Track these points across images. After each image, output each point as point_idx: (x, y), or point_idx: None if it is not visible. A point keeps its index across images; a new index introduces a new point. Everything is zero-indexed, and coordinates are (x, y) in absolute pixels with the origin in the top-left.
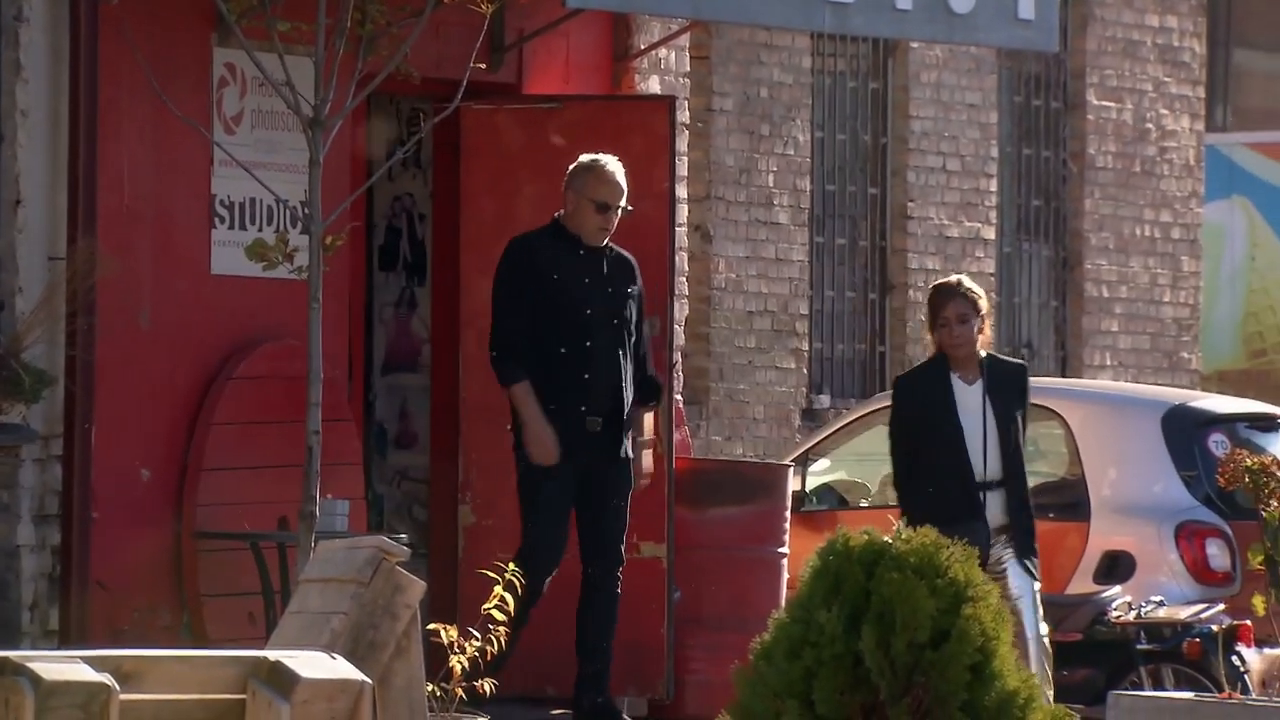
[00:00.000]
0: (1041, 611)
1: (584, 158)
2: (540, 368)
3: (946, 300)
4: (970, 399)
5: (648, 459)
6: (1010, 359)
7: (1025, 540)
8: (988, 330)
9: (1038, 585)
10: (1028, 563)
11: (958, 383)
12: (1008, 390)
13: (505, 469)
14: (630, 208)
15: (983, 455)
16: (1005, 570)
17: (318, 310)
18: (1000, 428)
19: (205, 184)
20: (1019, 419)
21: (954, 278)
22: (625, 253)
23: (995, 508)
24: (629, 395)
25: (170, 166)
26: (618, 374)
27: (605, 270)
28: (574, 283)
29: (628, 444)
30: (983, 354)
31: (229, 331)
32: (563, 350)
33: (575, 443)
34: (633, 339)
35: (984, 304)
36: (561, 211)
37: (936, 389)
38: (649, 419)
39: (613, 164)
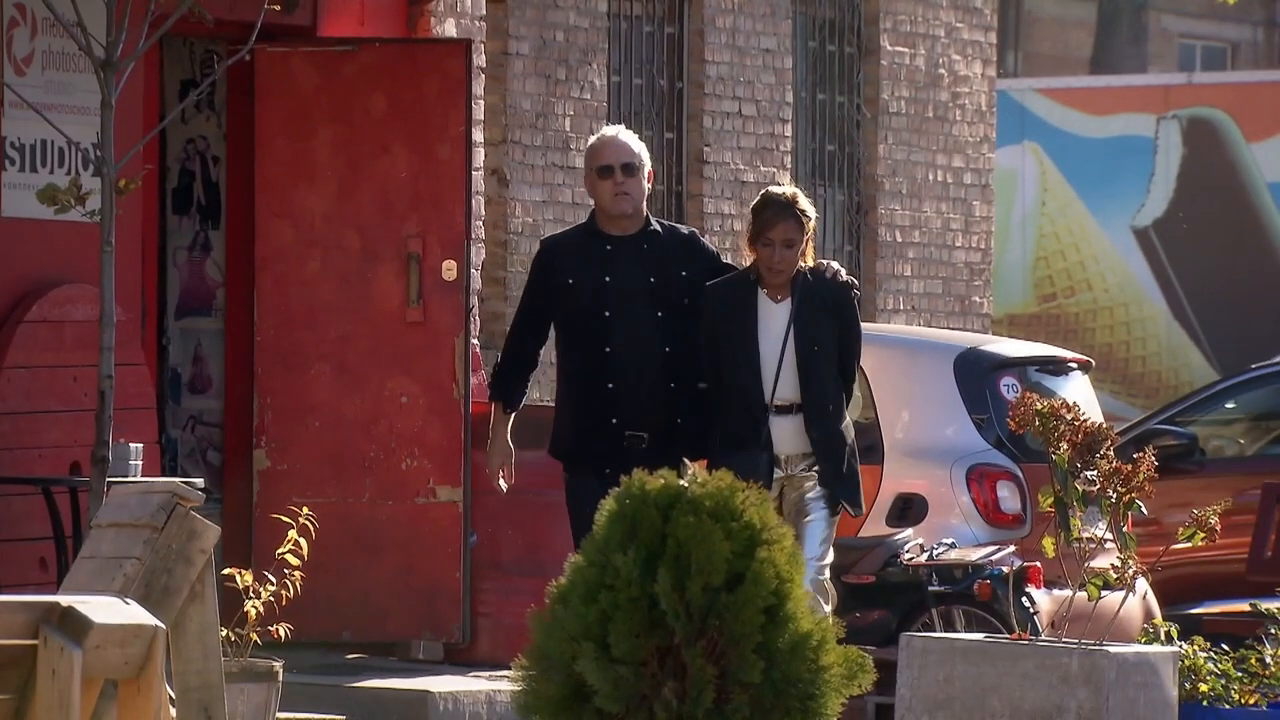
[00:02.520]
0: (822, 551)
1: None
2: (568, 380)
3: (777, 219)
4: (775, 318)
5: None
6: (834, 276)
7: (830, 469)
8: (810, 251)
9: (822, 519)
10: (834, 497)
11: (764, 300)
12: (821, 309)
13: (299, 413)
14: (643, 164)
15: (774, 377)
16: (807, 502)
17: (110, 254)
18: (804, 349)
19: None
20: (834, 340)
21: (788, 190)
22: (683, 230)
23: (787, 432)
24: (688, 392)
25: None
26: (655, 376)
27: (642, 259)
28: (590, 284)
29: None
30: (803, 267)
31: (20, 275)
32: (583, 359)
33: (610, 458)
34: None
35: (812, 224)
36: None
37: (740, 305)
38: None
39: (611, 130)
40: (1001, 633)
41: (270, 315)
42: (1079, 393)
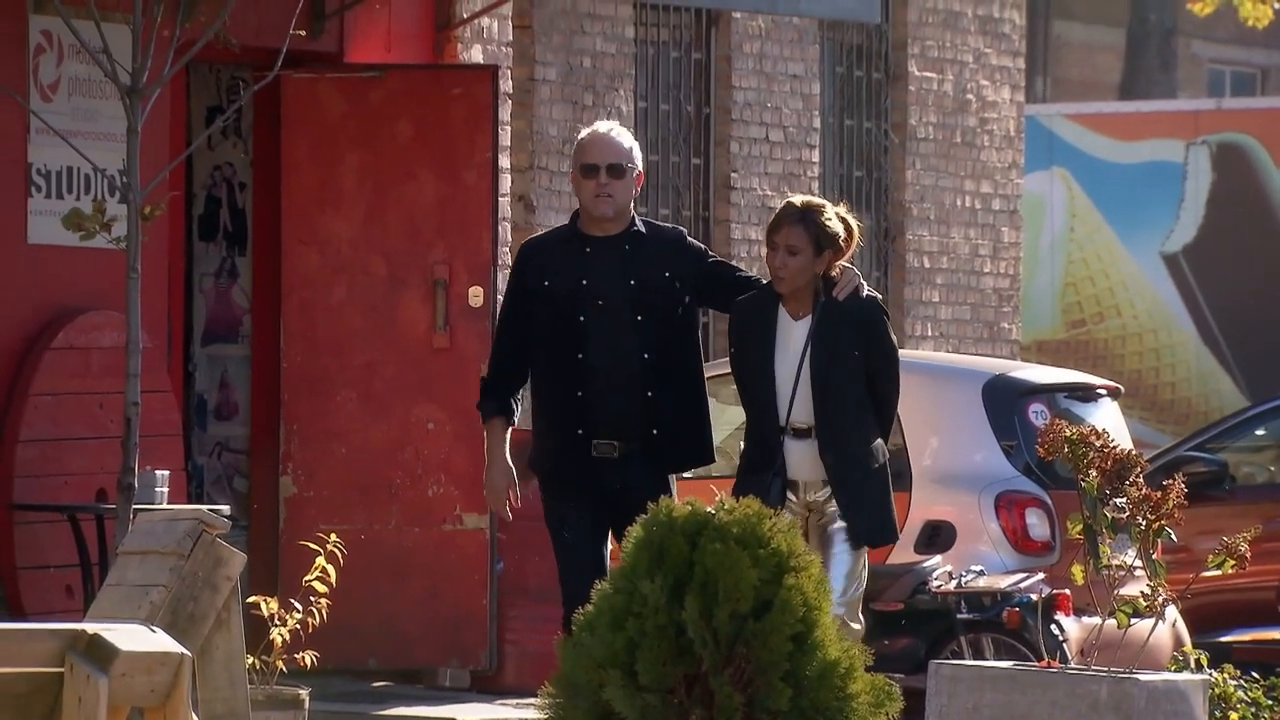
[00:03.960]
0: (845, 586)
1: None
2: (541, 389)
3: (782, 223)
4: (793, 336)
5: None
6: (860, 294)
7: (846, 500)
8: (837, 268)
9: (845, 554)
10: (854, 533)
11: (784, 317)
12: (845, 327)
13: (326, 439)
14: (632, 166)
15: (789, 398)
16: (831, 535)
17: (136, 280)
18: (821, 370)
19: (21, 152)
20: (858, 360)
21: (812, 200)
22: (668, 230)
23: (802, 458)
24: (670, 401)
25: None
26: (634, 384)
27: (623, 262)
28: (567, 287)
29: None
30: (825, 286)
31: (46, 302)
32: (556, 366)
33: (583, 473)
34: (681, 326)
35: (840, 240)
36: None
37: (759, 322)
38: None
39: (604, 126)
40: (1030, 660)
41: (297, 342)
42: (1108, 419)
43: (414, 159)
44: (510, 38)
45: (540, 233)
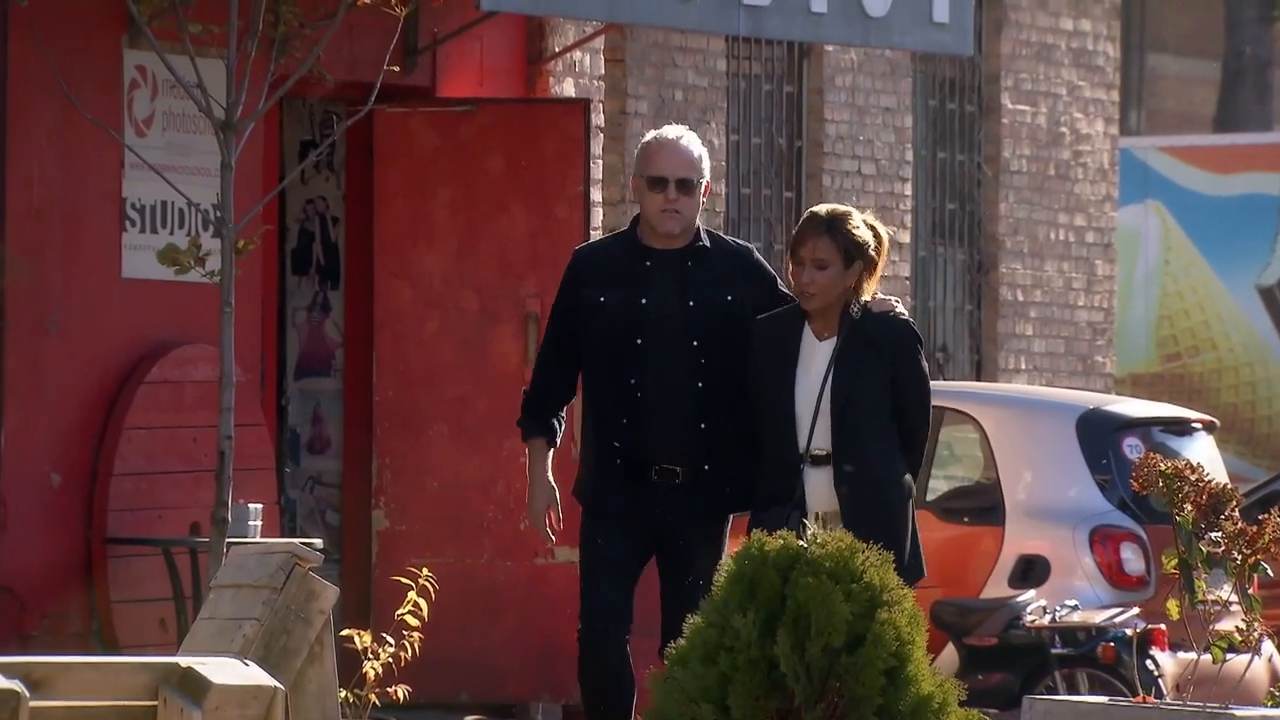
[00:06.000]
0: None
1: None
2: (591, 409)
3: (806, 235)
4: (817, 356)
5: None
6: (891, 315)
7: (859, 536)
8: (871, 284)
9: None
10: None
11: (808, 337)
12: (871, 349)
13: (418, 473)
14: (701, 179)
15: (810, 423)
16: None
17: (230, 314)
18: (843, 393)
19: (116, 187)
20: (884, 386)
21: (837, 208)
22: (735, 246)
23: (822, 486)
24: (723, 435)
25: (80, 169)
26: (689, 411)
27: (684, 279)
28: (623, 305)
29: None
30: (857, 305)
31: (140, 335)
32: (609, 388)
33: (633, 502)
34: (739, 355)
35: (871, 251)
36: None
37: (782, 342)
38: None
39: (673, 132)
40: (1126, 696)
41: (389, 375)
42: (1203, 453)
43: (506, 193)
44: (602, 71)
45: (594, 240)
